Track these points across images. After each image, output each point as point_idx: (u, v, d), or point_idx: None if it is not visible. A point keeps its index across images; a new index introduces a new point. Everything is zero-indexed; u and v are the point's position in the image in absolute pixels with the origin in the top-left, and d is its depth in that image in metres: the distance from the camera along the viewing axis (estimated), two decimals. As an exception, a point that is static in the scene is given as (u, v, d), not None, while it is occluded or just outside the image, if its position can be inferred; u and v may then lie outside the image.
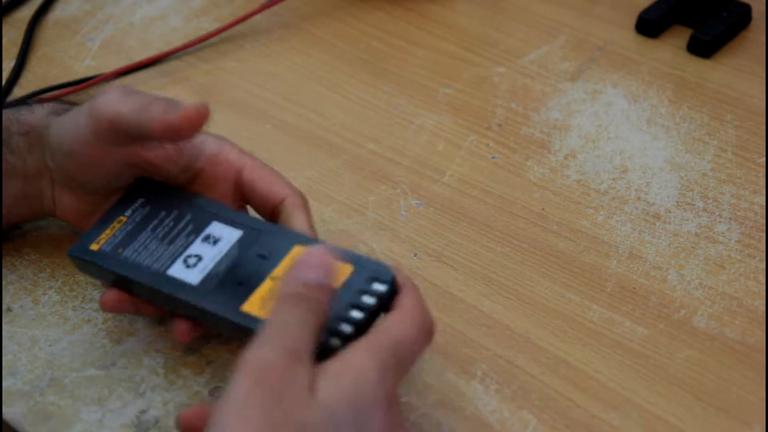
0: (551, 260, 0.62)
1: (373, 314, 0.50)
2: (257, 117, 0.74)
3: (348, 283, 0.51)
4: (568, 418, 0.54)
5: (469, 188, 0.67)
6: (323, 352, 0.48)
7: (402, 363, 0.48)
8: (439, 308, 0.60)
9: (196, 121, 0.53)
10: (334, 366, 0.46)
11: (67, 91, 0.75)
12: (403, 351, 0.48)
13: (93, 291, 0.61)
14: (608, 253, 0.63)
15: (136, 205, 0.59)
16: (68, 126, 0.57)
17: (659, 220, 0.64)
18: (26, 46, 0.80)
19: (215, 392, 0.56)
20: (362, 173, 0.68)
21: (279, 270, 0.53)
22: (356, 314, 0.50)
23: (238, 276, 0.54)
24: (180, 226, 0.57)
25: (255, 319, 0.52)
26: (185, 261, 0.55)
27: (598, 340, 0.58)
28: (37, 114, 0.60)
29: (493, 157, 0.70)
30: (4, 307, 0.60)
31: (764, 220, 0.64)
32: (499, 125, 0.72)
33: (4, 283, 0.62)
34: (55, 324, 0.59)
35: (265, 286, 0.53)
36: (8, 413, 0.55)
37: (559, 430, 0.54)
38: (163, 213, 0.58)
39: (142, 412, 0.55)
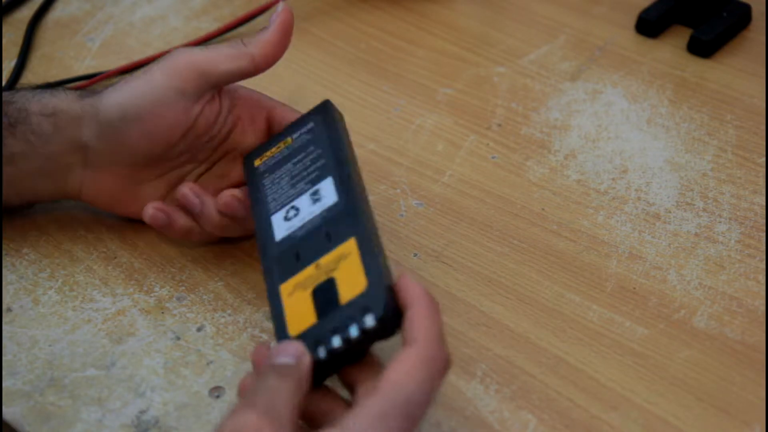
0: (551, 260, 0.62)
1: (358, 344, 0.48)
2: (257, 117, 0.74)
3: (351, 303, 0.49)
4: (568, 418, 0.54)
5: (469, 188, 0.67)
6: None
7: (413, 418, 0.45)
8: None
9: (290, 26, 0.59)
10: None
11: (67, 91, 0.75)
12: (415, 407, 0.45)
13: (93, 291, 0.61)
14: (608, 253, 0.62)
15: (305, 129, 0.60)
16: (137, 92, 0.58)
17: (659, 220, 0.64)
18: (26, 46, 0.80)
19: (215, 392, 0.56)
20: (362, 173, 0.68)
21: (325, 259, 0.52)
22: (336, 341, 0.48)
23: (301, 248, 0.53)
24: (310, 169, 0.57)
25: (280, 304, 0.52)
26: (287, 212, 0.56)
27: (598, 340, 0.58)
28: (61, 98, 0.59)
29: (493, 157, 0.69)
30: (4, 307, 0.60)
31: (764, 220, 0.64)
32: (499, 125, 0.72)
33: (4, 283, 0.62)
34: (55, 324, 0.59)
35: (305, 272, 0.52)
36: (8, 413, 0.55)
37: (559, 430, 0.54)
38: (311, 148, 0.58)
39: (142, 412, 0.55)
